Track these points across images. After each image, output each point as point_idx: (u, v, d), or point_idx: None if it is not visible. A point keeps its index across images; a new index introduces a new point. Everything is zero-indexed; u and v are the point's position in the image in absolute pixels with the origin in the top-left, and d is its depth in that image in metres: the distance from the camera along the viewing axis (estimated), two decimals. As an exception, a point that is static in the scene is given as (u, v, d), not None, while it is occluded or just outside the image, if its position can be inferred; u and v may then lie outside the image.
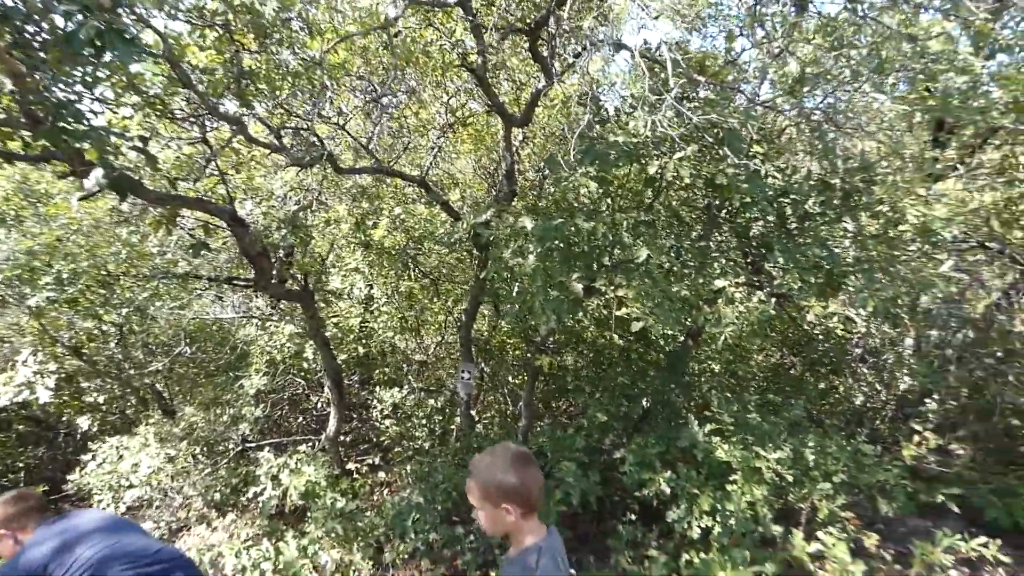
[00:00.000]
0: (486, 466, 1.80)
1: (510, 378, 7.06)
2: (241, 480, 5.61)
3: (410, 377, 7.36)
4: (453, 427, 6.60)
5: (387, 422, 6.37)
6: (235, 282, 5.10)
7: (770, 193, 3.78)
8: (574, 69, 4.46)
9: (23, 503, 2.77)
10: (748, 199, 3.70)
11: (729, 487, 3.96)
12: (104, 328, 6.88)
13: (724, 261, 3.81)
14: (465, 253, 5.83)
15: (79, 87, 3.29)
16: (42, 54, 2.99)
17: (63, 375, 6.50)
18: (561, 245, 4.02)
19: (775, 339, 5.78)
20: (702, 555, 3.92)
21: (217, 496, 5.52)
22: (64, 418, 9.65)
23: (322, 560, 4.76)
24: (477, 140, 6.06)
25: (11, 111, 3.34)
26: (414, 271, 6.22)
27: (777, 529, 3.87)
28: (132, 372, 7.00)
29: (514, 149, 5.14)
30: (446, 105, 5.40)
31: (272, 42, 3.53)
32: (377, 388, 6.47)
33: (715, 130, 3.56)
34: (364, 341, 6.93)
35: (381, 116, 4.86)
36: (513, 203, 5.31)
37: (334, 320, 6.79)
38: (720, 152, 3.58)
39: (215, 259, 6.46)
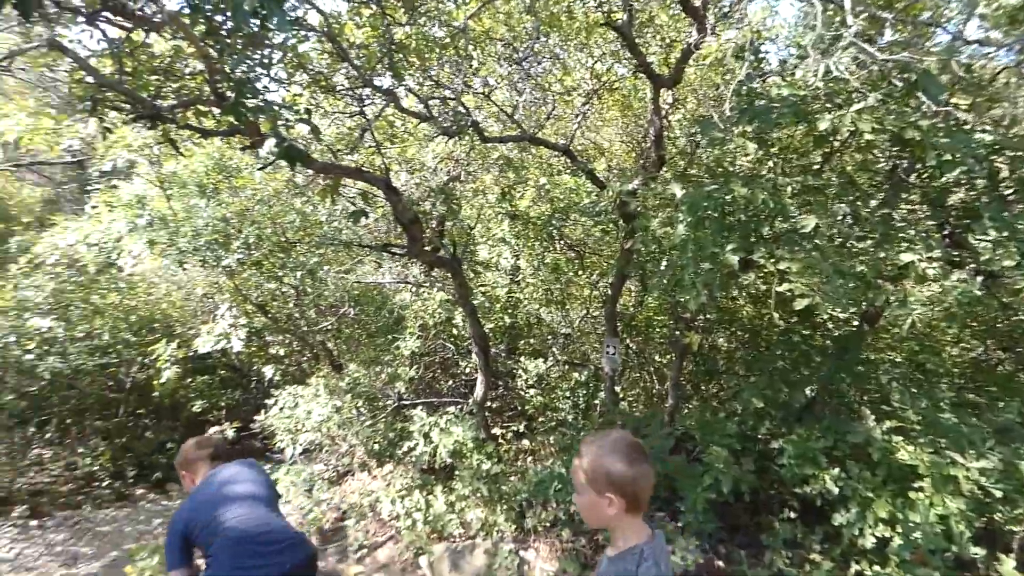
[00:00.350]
0: (598, 448, 1.67)
1: (656, 356, 6.79)
2: (397, 434, 6.00)
3: (554, 349, 7.37)
4: (596, 402, 6.52)
5: (532, 392, 6.45)
6: (391, 249, 5.39)
7: (979, 150, 3.13)
8: (731, 18, 4.03)
9: (204, 450, 3.13)
10: (948, 157, 3.10)
11: (913, 495, 3.45)
12: (284, 289, 7.70)
13: (913, 232, 3.25)
14: (611, 224, 5.62)
15: (258, 68, 3.63)
16: (228, 40, 3.31)
17: (252, 329, 7.38)
18: (715, 214, 3.70)
19: (977, 328, 4.87)
20: (876, 567, 3.49)
21: (376, 447, 5.97)
22: (255, 367, 11.04)
23: (468, 517, 4.97)
24: (623, 106, 5.78)
25: (203, 92, 3.75)
26: (560, 243, 6.15)
27: (978, 552, 3.29)
28: (306, 329, 7.78)
29: (662, 113, 4.81)
30: (591, 70, 5.20)
31: (420, 15, 3.59)
32: (522, 358, 6.56)
33: (905, 75, 3.00)
34: (511, 311, 7.04)
35: (525, 83, 4.80)
36: (662, 171, 5.01)
37: (482, 290, 6.96)
38: (912, 103, 3.02)
39: (375, 228, 6.91)
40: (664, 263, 4.04)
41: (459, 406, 6.04)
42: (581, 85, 5.48)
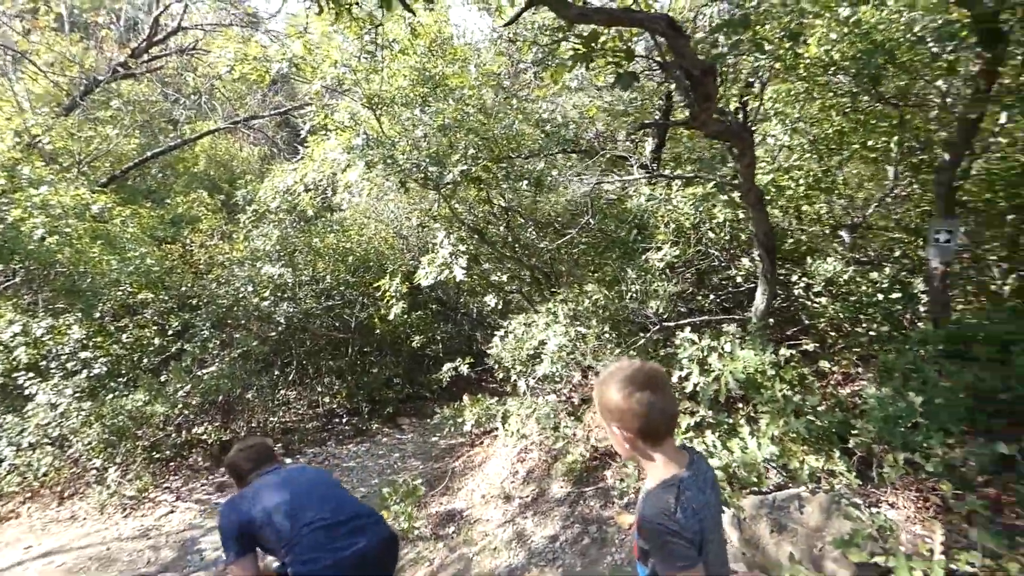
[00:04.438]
0: (601, 379, 1.61)
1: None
2: (657, 361, 5.04)
3: (835, 246, 5.81)
4: (910, 309, 4.99)
5: (822, 300, 5.04)
6: (655, 126, 4.22)
7: None
8: None
9: (253, 456, 2.99)
10: None
11: None
12: (496, 212, 6.99)
13: None
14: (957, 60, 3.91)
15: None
16: None
17: (471, 255, 6.79)
18: None
19: None
20: None
21: (632, 378, 5.04)
22: (462, 299, 10.84)
23: (789, 464, 3.86)
24: None
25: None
26: (868, 96, 4.50)
27: None
28: (524, 252, 7.03)
29: None
30: None
31: None
32: (809, 259, 5.13)
33: None
34: (777, 203, 5.58)
35: None
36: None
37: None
38: None
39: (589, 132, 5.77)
40: None
41: (736, 323, 4.86)
42: None
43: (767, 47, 4.09)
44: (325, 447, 7.90)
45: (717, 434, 4.02)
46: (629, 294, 5.30)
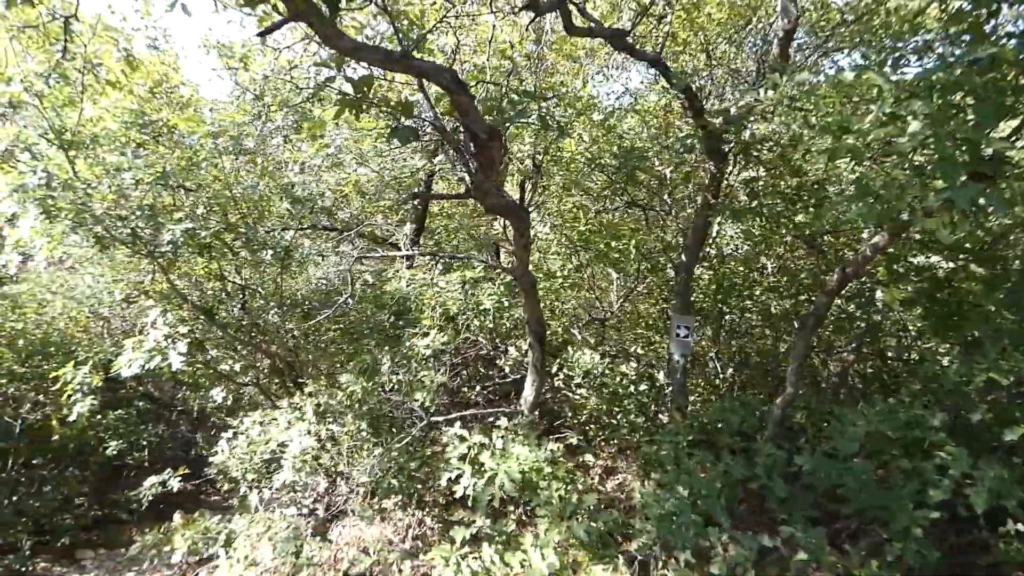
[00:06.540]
0: None
1: (721, 336, 5.57)
2: (421, 463, 4.44)
3: (588, 338, 6.01)
4: (656, 400, 5.26)
5: (581, 392, 5.03)
6: (430, 198, 3.82)
7: None
8: None
9: None
10: None
11: None
12: (230, 290, 5.89)
13: None
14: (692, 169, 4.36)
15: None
16: None
17: (193, 340, 5.53)
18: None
19: None
20: None
21: (394, 483, 4.35)
22: (179, 395, 9.01)
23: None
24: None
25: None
26: (620, 196, 4.78)
27: None
28: (264, 338, 5.97)
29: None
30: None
31: None
32: (570, 349, 5.13)
33: None
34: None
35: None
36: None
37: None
38: None
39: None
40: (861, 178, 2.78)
41: (503, 417, 4.53)
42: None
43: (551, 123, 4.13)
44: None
45: (494, 547, 3.52)
46: (391, 385, 4.68)
